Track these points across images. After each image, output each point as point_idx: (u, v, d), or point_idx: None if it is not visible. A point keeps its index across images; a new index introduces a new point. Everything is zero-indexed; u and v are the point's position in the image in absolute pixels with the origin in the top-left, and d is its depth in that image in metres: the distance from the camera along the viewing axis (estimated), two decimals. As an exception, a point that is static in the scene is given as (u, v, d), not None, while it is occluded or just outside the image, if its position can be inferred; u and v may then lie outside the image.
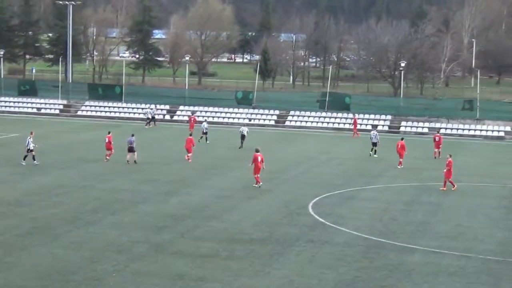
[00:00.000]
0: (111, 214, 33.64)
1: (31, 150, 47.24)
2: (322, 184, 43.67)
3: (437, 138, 58.16)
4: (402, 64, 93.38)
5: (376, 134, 58.23)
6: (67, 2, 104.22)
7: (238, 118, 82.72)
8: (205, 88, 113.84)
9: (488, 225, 34.33)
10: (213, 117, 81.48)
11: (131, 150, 49.14)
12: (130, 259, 26.38)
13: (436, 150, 57.49)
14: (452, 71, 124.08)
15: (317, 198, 38.93)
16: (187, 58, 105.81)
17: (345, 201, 38.68)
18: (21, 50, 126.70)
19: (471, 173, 49.53)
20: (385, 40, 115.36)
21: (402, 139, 53.50)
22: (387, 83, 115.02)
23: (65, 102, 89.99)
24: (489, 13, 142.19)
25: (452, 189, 42.63)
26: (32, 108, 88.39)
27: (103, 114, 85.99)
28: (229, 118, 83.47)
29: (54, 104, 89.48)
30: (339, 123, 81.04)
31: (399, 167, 50.99)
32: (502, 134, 76.86)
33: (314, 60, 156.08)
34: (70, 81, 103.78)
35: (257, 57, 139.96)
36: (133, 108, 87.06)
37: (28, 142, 47.31)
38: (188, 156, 51.23)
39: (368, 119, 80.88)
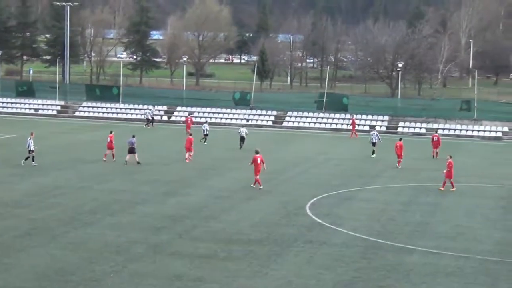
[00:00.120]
0: (109, 215, 33.63)
1: (32, 151, 47.19)
2: (320, 184, 43.69)
3: (435, 138, 58.23)
4: (400, 65, 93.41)
5: (376, 134, 58.29)
6: (64, 3, 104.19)
7: (236, 119, 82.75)
8: (202, 89, 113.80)
9: (485, 225, 34.36)
10: (210, 118, 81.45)
11: (132, 151, 49.14)
12: (128, 259, 26.38)
13: (434, 150, 57.61)
14: (450, 71, 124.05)
15: (315, 199, 38.95)
16: (184, 59, 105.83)
17: (343, 202, 38.70)
18: (19, 51, 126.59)
19: (468, 173, 49.55)
20: (383, 41, 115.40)
21: (400, 139, 53.52)
22: (385, 84, 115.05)
23: (62, 103, 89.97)
24: (487, 14, 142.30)
25: (451, 190, 42.65)
26: (30, 109, 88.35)
27: (100, 115, 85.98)
28: (226, 119, 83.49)
29: (51, 105, 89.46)
30: (336, 124, 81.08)
31: (398, 166, 51.04)
32: (499, 134, 76.92)
33: (312, 61, 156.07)
34: (68, 82, 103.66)
35: (254, 58, 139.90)
36: (130, 109, 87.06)
37: (29, 143, 47.24)
38: (190, 156, 51.31)
39: (365, 120, 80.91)
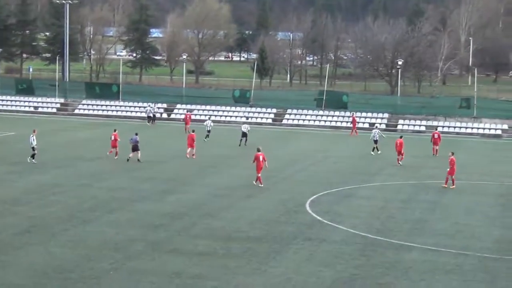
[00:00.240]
0: (108, 213, 33.62)
1: (34, 148, 47.15)
2: (319, 182, 43.68)
3: (436, 135, 58.23)
4: (399, 63, 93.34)
5: (378, 132, 58.29)
6: (64, 1, 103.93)
7: (236, 117, 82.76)
8: (202, 86, 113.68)
9: (485, 223, 34.36)
10: (210, 115, 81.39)
11: (135, 148, 49.15)
12: (127, 257, 26.38)
13: (434, 147, 57.62)
14: (449, 69, 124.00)
15: (314, 196, 38.94)
16: (184, 57, 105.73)
17: (343, 199, 38.69)
18: (18, 49, 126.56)
19: (468, 171, 49.52)
20: (382, 39, 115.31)
21: (401, 137, 53.49)
22: (384, 82, 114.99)
23: (62, 101, 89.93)
24: (486, 11, 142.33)
25: (451, 187, 42.65)
26: (29, 107, 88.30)
27: (100, 113, 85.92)
28: (226, 116, 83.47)
29: (51, 102, 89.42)
30: (336, 122, 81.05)
31: (400, 164, 51.04)
32: (499, 132, 76.88)
33: (311, 58, 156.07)
34: (67, 80, 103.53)
35: (254, 56, 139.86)
36: (130, 106, 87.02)
37: (32, 140, 47.17)
38: (192, 152, 51.38)
39: (365, 118, 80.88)
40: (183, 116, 77.26)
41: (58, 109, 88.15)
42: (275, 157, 51.42)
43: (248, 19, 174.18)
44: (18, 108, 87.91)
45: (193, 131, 53.68)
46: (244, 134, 60.48)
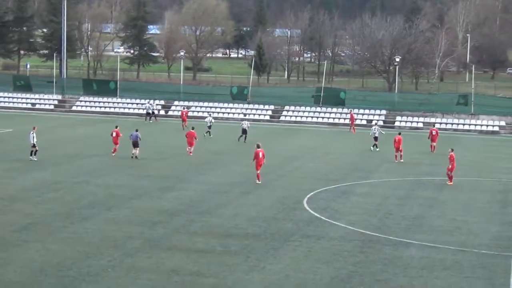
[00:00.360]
0: (106, 210, 33.59)
1: (34, 145, 47.10)
2: (317, 179, 43.68)
3: (434, 132, 58.27)
4: (397, 59, 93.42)
5: (377, 129, 58.30)
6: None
7: (233, 113, 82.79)
8: (200, 83, 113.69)
9: (483, 219, 34.39)
10: (208, 112, 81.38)
11: (136, 145, 49.09)
12: (125, 254, 26.36)
13: (432, 144, 57.65)
14: (447, 66, 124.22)
15: (312, 193, 38.94)
16: (182, 54, 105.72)
17: (341, 196, 38.69)
18: (16, 46, 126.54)
19: (466, 167, 49.52)
20: (380, 35, 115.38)
21: (399, 134, 53.49)
22: (382, 78, 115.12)
23: (59, 97, 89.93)
24: (483, 8, 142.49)
25: (448, 183, 42.68)
26: (27, 103, 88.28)
27: (97, 109, 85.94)
28: (224, 113, 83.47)
29: (48, 99, 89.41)
30: (334, 118, 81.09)
31: (401, 160, 51.07)
32: (496, 128, 77.00)
33: (309, 55, 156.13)
34: (65, 76, 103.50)
35: (252, 52, 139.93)
36: (127, 103, 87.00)
37: (31, 137, 47.09)
38: (189, 149, 51.39)
39: (363, 114, 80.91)
40: (180, 113, 77.26)
41: (55, 106, 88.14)
42: (272, 154, 51.38)
43: (245, 16, 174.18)
44: (15, 105, 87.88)
45: (193, 128, 53.62)
46: (244, 131, 60.53)
